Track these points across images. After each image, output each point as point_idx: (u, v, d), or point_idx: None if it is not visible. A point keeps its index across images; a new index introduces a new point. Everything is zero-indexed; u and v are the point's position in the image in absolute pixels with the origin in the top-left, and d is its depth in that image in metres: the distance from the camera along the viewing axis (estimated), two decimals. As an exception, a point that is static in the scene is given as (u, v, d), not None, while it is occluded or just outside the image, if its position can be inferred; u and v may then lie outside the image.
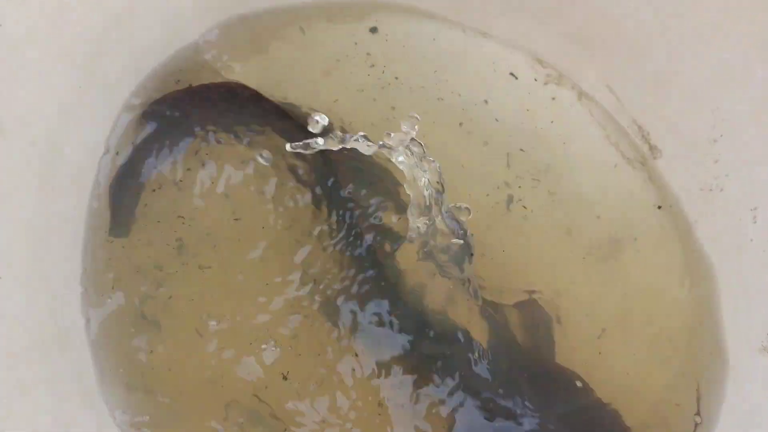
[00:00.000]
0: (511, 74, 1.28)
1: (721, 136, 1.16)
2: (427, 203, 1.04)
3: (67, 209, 1.08)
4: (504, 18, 1.30)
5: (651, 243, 1.20)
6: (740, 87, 1.10)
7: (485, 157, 1.23)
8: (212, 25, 1.24)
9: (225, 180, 1.15)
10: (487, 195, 1.21)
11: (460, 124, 1.24)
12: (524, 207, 1.22)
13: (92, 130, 1.11)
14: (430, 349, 1.06)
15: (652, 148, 1.27)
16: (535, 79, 1.29)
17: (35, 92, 0.98)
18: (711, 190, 1.19)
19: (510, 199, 1.21)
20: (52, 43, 0.99)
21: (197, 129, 1.15)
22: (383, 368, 1.07)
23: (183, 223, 1.13)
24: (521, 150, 1.25)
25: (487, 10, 1.30)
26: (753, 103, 1.09)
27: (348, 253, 1.09)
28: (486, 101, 1.27)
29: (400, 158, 1.01)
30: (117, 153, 1.12)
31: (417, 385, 1.06)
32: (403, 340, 1.07)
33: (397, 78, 1.26)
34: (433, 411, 1.05)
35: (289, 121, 1.15)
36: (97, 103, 1.10)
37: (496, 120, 1.26)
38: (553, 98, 1.29)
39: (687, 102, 1.18)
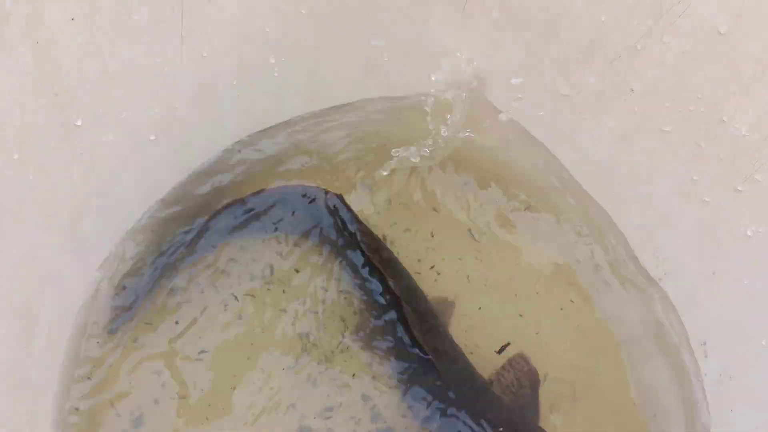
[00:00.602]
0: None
1: (665, 274, 1.23)
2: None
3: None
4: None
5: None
6: (676, 233, 1.19)
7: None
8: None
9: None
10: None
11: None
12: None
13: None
14: None
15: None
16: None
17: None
18: (663, 324, 1.24)
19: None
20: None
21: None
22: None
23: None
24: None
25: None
26: (689, 245, 1.18)
27: None
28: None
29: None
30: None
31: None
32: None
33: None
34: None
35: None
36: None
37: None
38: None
39: (631, 241, 1.27)
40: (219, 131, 1.26)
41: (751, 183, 1.04)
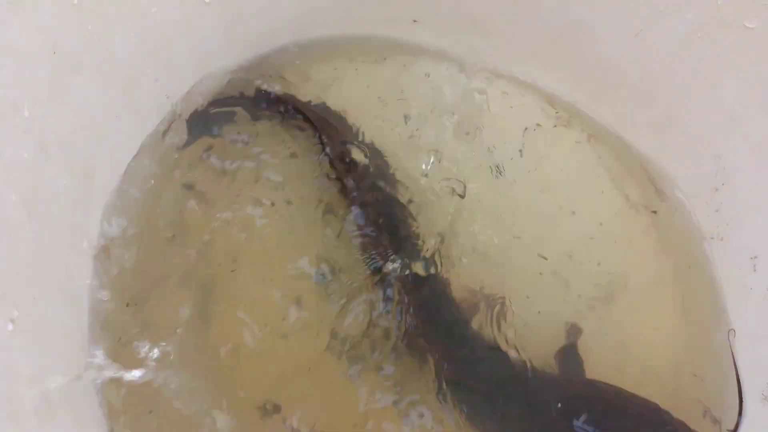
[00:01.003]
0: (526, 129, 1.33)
1: (723, 184, 1.18)
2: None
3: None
4: (517, 63, 1.36)
5: (648, 288, 1.21)
6: (741, 135, 1.12)
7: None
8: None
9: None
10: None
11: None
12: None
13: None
14: None
15: (659, 192, 1.29)
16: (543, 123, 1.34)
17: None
18: (712, 238, 1.20)
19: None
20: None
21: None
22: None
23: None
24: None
25: (500, 56, 1.37)
26: (753, 151, 1.11)
27: None
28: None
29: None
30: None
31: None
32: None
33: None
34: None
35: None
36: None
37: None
38: (562, 140, 1.33)
39: (690, 149, 1.21)
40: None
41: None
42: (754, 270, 1.13)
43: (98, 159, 1.07)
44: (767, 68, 1.06)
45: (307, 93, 1.30)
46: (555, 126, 1.34)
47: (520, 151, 1.30)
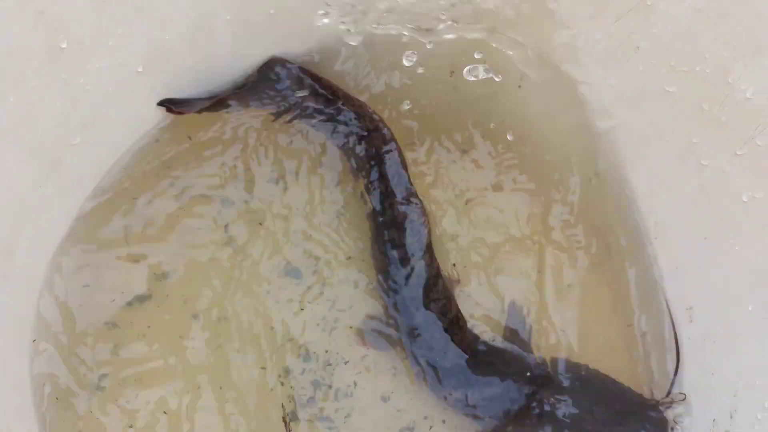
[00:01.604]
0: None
1: (656, 238, 1.23)
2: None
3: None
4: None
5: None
6: (671, 194, 1.18)
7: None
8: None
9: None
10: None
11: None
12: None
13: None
14: None
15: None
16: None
17: None
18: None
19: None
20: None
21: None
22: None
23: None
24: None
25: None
26: (683, 208, 1.17)
27: None
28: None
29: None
30: None
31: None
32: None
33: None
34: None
35: None
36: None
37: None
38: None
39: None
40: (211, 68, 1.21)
41: (751, 147, 1.03)
42: (690, 321, 1.17)
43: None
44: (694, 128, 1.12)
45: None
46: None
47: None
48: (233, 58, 1.20)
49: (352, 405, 1.15)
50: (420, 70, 1.27)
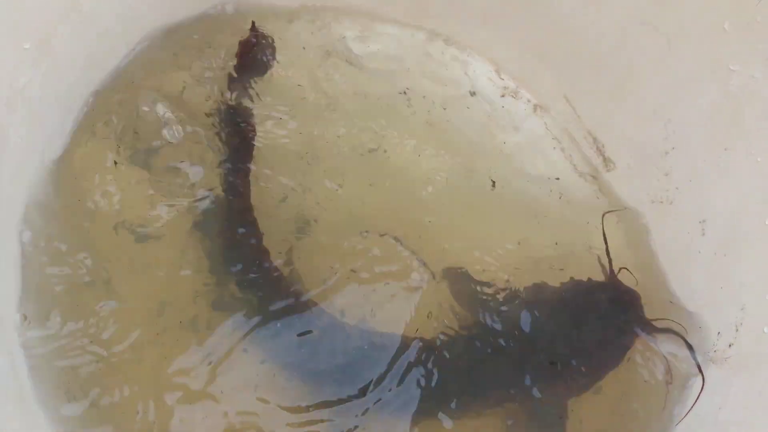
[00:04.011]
0: (470, 92, 1.29)
1: (673, 148, 1.18)
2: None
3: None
4: (464, 26, 1.30)
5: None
6: (693, 102, 1.12)
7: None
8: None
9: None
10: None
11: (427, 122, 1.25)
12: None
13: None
14: None
15: (606, 160, 1.28)
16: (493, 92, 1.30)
17: None
18: (662, 202, 1.21)
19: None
20: None
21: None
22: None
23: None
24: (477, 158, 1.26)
25: (447, 18, 1.31)
26: (703, 115, 1.11)
27: None
28: (444, 108, 1.27)
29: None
30: None
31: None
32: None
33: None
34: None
35: None
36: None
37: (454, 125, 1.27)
38: (509, 110, 1.30)
39: (641, 114, 1.20)
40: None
41: (786, 52, 0.96)
42: (703, 234, 1.14)
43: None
44: (719, 35, 1.05)
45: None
46: (502, 96, 1.30)
47: (466, 117, 1.27)
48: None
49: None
50: None
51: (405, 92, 1.27)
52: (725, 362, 1.06)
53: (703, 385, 1.03)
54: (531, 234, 1.21)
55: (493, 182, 1.22)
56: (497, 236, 1.19)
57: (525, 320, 1.09)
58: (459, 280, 1.15)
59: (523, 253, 1.19)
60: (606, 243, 1.12)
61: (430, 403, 1.04)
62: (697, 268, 1.14)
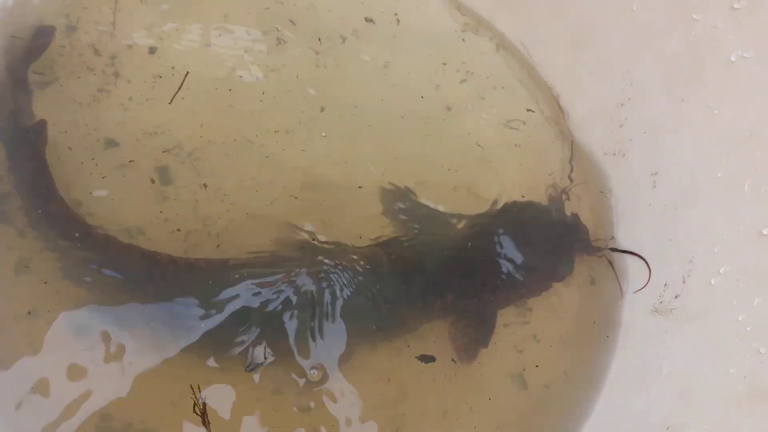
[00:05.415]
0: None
1: (629, 99, 1.16)
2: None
3: None
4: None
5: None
6: (653, 52, 1.09)
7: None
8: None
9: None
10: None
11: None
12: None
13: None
14: None
15: (561, 109, 1.26)
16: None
17: None
18: (614, 154, 1.20)
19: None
20: None
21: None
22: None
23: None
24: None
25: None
26: (663, 68, 1.09)
27: None
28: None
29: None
30: None
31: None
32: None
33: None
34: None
35: None
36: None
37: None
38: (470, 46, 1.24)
39: (599, 64, 1.17)
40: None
41: (750, 0, 0.94)
42: (654, 186, 1.14)
43: None
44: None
45: None
46: (463, 31, 1.24)
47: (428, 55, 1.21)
48: None
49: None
50: None
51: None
52: (670, 313, 1.06)
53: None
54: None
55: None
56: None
57: (480, 235, 1.09)
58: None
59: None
60: (572, 169, 1.15)
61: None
62: (646, 219, 1.14)
